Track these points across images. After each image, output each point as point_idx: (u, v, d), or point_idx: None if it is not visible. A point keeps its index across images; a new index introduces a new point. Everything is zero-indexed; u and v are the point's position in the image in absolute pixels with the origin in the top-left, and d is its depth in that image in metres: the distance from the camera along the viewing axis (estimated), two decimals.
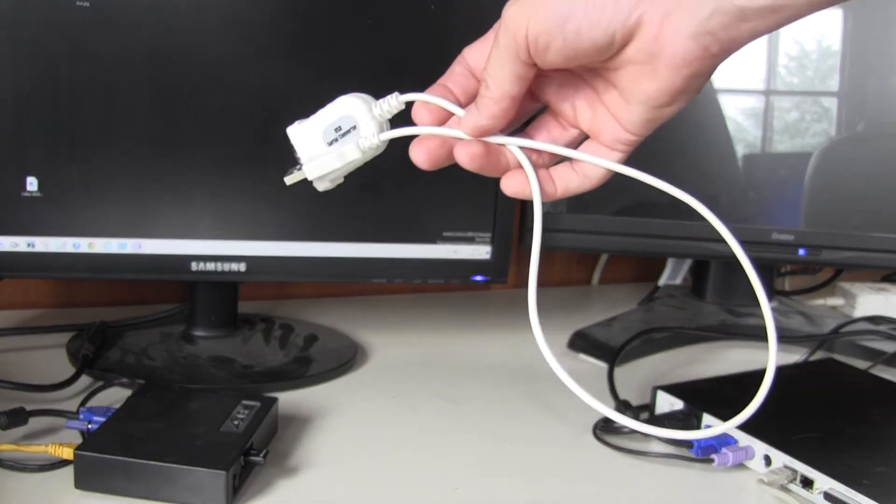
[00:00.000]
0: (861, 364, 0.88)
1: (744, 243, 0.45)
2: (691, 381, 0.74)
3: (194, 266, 0.76)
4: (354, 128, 0.47)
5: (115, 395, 0.65)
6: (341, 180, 0.49)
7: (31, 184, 0.70)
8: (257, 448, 0.56)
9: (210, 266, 0.76)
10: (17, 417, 0.60)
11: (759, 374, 0.76)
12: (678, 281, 1.10)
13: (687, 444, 0.64)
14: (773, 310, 1.05)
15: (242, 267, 0.77)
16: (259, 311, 0.93)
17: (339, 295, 1.06)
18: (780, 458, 0.61)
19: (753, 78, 0.94)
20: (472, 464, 0.63)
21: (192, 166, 0.74)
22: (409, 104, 0.47)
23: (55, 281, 0.93)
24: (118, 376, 0.70)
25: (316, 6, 0.74)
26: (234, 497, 0.54)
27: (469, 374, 0.81)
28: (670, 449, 0.64)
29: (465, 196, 0.82)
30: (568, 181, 0.48)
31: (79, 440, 0.57)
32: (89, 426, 0.59)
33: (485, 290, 1.15)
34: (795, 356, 0.91)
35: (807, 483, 0.59)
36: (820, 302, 1.13)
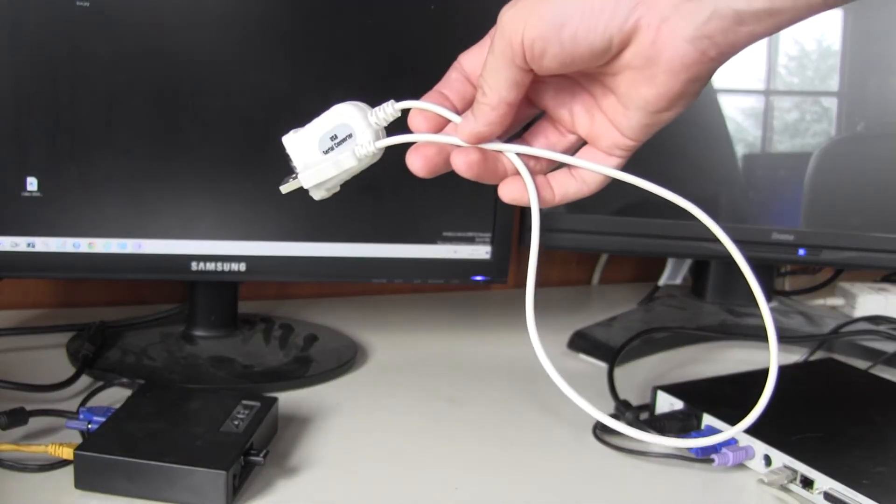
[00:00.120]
0: (861, 364, 0.88)
1: (744, 243, 0.45)
2: (691, 381, 0.74)
3: (194, 266, 0.76)
4: (350, 136, 0.46)
5: (115, 395, 0.65)
6: (338, 189, 0.49)
7: (31, 184, 0.70)
8: (257, 448, 0.56)
9: (210, 266, 0.76)
10: (17, 417, 0.60)
11: (758, 374, 0.77)
12: (678, 281, 1.10)
13: None
14: (773, 310, 1.05)
15: (242, 267, 0.77)
16: (259, 311, 0.93)
17: (339, 295, 1.06)
18: (780, 458, 0.61)
19: (753, 78, 0.94)
20: (472, 464, 0.63)
21: (193, 166, 0.74)
22: (406, 111, 0.46)
23: (55, 281, 0.93)
24: (118, 376, 0.70)
25: (316, 6, 0.74)
26: (234, 497, 0.54)
27: (469, 374, 0.81)
28: (670, 449, 0.64)
29: (465, 196, 0.82)
30: (566, 187, 0.47)
31: (79, 440, 0.57)
32: (89, 426, 0.59)
33: (485, 290, 1.15)
34: (795, 356, 0.91)
35: (807, 483, 0.59)
36: (820, 302, 1.13)
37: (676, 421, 0.67)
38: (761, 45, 0.92)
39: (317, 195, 0.49)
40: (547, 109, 0.48)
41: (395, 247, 0.81)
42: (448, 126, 0.47)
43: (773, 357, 0.45)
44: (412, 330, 0.95)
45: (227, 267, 0.76)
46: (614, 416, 0.69)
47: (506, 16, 0.42)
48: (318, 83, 0.75)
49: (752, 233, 0.94)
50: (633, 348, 0.86)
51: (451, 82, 0.47)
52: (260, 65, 0.73)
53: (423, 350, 0.88)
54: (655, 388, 0.71)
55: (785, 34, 0.92)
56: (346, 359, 0.81)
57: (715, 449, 0.63)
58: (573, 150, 0.48)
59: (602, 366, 0.83)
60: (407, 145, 0.46)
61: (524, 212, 0.91)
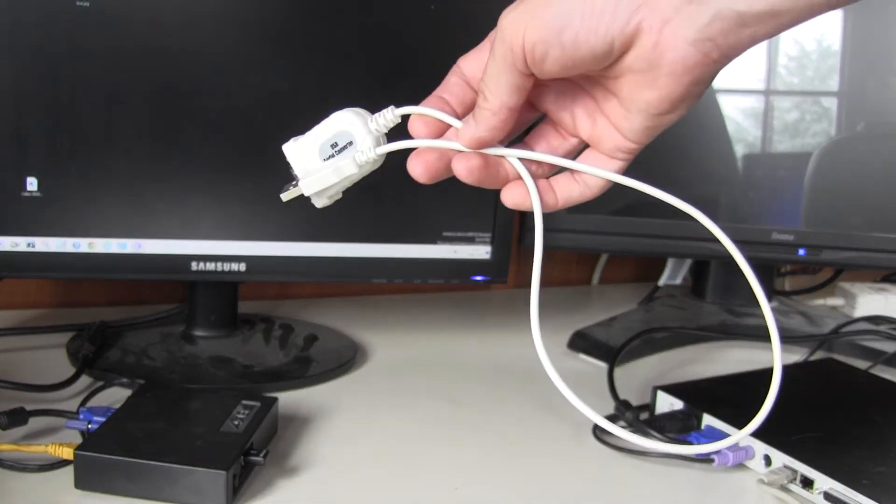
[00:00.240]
0: (861, 364, 0.88)
1: (743, 243, 0.45)
2: (691, 381, 0.74)
3: (194, 266, 0.76)
4: (351, 143, 0.46)
5: (115, 395, 0.65)
6: (339, 196, 0.49)
7: (31, 184, 0.70)
8: (257, 448, 0.56)
9: (210, 266, 0.76)
10: (17, 417, 0.60)
11: (759, 375, 0.77)
12: (678, 281, 1.10)
13: (686, 444, 0.64)
14: (774, 310, 1.05)
15: (242, 267, 0.77)
16: (259, 311, 0.93)
17: (339, 295, 1.06)
18: (780, 458, 0.61)
19: (753, 78, 0.94)
20: (472, 464, 0.63)
21: (193, 166, 0.74)
22: (406, 117, 0.46)
23: (55, 281, 0.93)
24: (118, 376, 0.70)
25: (316, 6, 0.74)
26: (234, 497, 0.54)
27: (469, 374, 0.81)
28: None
29: (465, 196, 0.81)
30: (569, 191, 0.47)
31: (79, 440, 0.57)
32: (89, 426, 0.59)
33: (485, 290, 1.15)
34: (795, 356, 0.91)
35: (807, 483, 0.59)
36: (820, 302, 1.13)
37: (676, 421, 0.67)
38: (761, 46, 0.92)
39: (318, 203, 0.49)
40: (548, 113, 0.47)
41: (395, 247, 0.81)
42: (449, 131, 0.46)
43: (776, 360, 0.45)
44: (412, 330, 0.95)
45: (227, 267, 0.76)
46: (614, 416, 0.69)
47: (506, 20, 0.41)
48: (319, 83, 0.75)
49: (752, 233, 0.94)
50: (633, 348, 0.86)
51: (451, 87, 0.47)
52: (260, 65, 0.73)
53: (423, 350, 0.88)
54: (655, 388, 0.71)
55: (785, 34, 0.92)
56: (346, 359, 0.81)
57: (714, 450, 0.63)
58: (575, 154, 0.47)
59: (602, 366, 0.83)
60: (407, 150, 0.46)
61: (524, 212, 0.91)
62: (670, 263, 1.09)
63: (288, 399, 0.70)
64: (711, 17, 0.38)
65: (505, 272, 0.85)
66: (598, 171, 0.46)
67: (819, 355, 0.91)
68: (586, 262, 1.23)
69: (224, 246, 0.76)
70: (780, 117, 0.94)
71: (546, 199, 0.47)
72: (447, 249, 0.82)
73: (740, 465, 0.63)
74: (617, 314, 1.02)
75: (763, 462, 0.62)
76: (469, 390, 0.77)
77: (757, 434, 0.62)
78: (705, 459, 0.63)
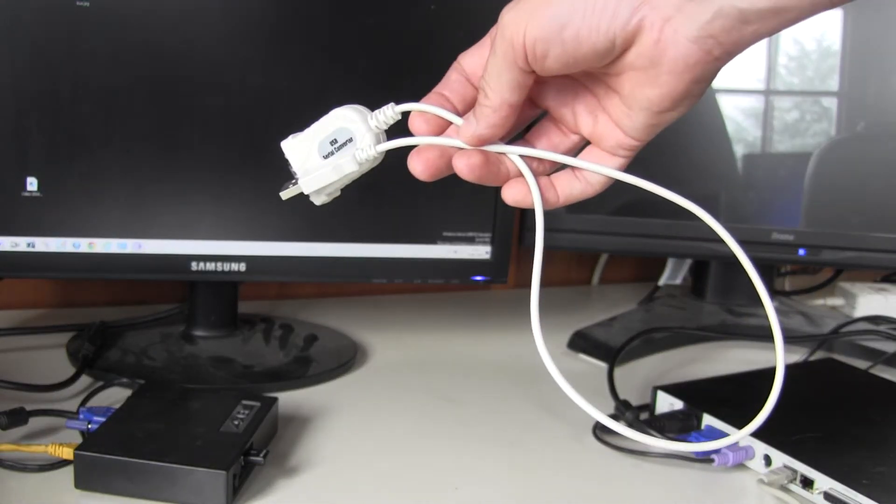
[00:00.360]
0: (861, 364, 0.88)
1: (743, 243, 0.45)
2: (691, 381, 0.74)
3: (194, 266, 0.76)
4: (350, 140, 0.46)
5: (115, 395, 0.65)
6: (338, 193, 0.49)
7: (31, 184, 0.70)
8: (257, 448, 0.56)
9: (210, 266, 0.76)
10: (17, 417, 0.60)
11: (759, 374, 0.77)
12: (678, 281, 1.10)
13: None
14: (774, 309, 1.05)
15: (242, 267, 0.77)
16: (259, 311, 0.93)
17: (339, 295, 1.06)
18: (780, 458, 0.61)
19: (753, 78, 0.94)
20: (472, 464, 0.63)
21: (193, 166, 0.74)
22: (406, 114, 0.46)
23: (55, 281, 0.93)
24: (118, 376, 0.70)
25: (316, 6, 0.74)
26: (234, 497, 0.54)
27: (469, 374, 0.81)
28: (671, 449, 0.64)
29: (465, 196, 0.82)
30: (570, 188, 0.47)
31: (79, 440, 0.57)
32: (89, 426, 0.59)
33: (485, 290, 1.15)
34: (795, 356, 0.91)
35: (807, 483, 0.59)
36: (820, 302, 1.13)
37: (676, 421, 0.67)
38: (761, 45, 0.92)
39: (317, 200, 0.48)
40: (549, 110, 0.47)
41: (395, 247, 0.81)
42: (449, 128, 0.46)
43: (779, 361, 0.45)
44: (412, 330, 0.95)
45: (227, 267, 0.76)
46: (614, 416, 0.69)
47: (507, 17, 0.41)
48: (319, 83, 0.75)
49: (752, 233, 0.94)
50: (633, 348, 0.86)
51: (452, 83, 0.46)
52: (260, 64, 0.73)
53: (423, 350, 0.88)
54: (655, 388, 0.71)
55: (785, 34, 0.92)
56: (346, 359, 0.81)
57: (715, 449, 0.63)
58: (576, 151, 0.47)
59: (602, 366, 0.83)
60: (407, 148, 0.46)
61: (524, 212, 0.91)
62: (670, 263, 1.09)
63: (288, 399, 0.70)
64: (713, 14, 0.38)
65: (505, 272, 0.85)
66: (599, 168, 0.46)
67: (819, 355, 0.91)
68: (586, 262, 1.23)
69: (224, 246, 0.76)
70: (780, 117, 0.94)
71: (547, 197, 0.47)
72: (447, 249, 0.82)
73: (740, 465, 0.63)
74: (617, 314, 1.02)
75: (763, 462, 0.62)
76: (469, 390, 0.77)
77: (757, 434, 0.62)
78: (705, 459, 0.63)
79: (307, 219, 0.78)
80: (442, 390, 0.77)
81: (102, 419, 0.58)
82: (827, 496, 0.57)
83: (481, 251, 0.83)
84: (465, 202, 0.82)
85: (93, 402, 0.65)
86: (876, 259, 0.96)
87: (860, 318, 1.00)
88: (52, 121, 0.70)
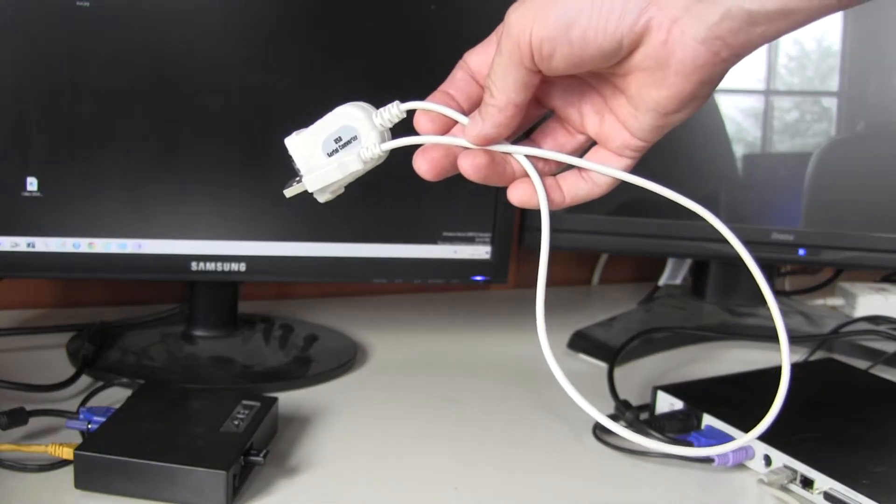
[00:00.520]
0: (861, 364, 0.88)
1: (744, 244, 0.45)
2: (691, 381, 0.74)
3: (194, 266, 0.76)
4: (355, 138, 0.46)
5: (115, 395, 0.65)
6: (342, 191, 0.48)
7: (31, 184, 0.70)
8: (257, 448, 0.56)
9: (210, 266, 0.76)
10: (17, 417, 0.60)
11: (759, 375, 0.77)
12: (678, 281, 1.10)
13: (687, 444, 0.64)
14: None
15: (242, 267, 0.77)
16: (259, 311, 0.93)
17: (339, 295, 1.06)
18: (780, 458, 0.61)
19: (753, 78, 0.94)
20: (472, 464, 0.63)
21: (193, 166, 0.74)
22: (411, 112, 0.46)
23: (55, 281, 0.93)
24: (118, 376, 0.70)
25: (316, 6, 0.74)
26: (234, 497, 0.54)
27: (469, 374, 0.81)
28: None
29: (465, 196, 0.82)
30: (576, 189, 0.47)
31: (79, 440, 0.57)
32: (89, 426, 0.59)
33: (485, 290, 1.15)
34: (795, 356, 0.91)
35: (807, 483, 0.59)
36: (820, 302, 1.13)
37: (676, 421, 0.67)
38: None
39: (321, 198, 0.48)
40: (555, 109, 0.47)
41: (395, 247, 0.81)
42: (455, 127, 0.46)
43: (784, 363, 0.45)
44: (412, 330, 0.95)
45: (227, 267, 0.76)
46: (614, 416, 0.68)
47: (513, 16, 0.41)
48: (319, 83, 0.75)
49: (752, 233, 0.94)
50: (633, 348, 0.86)
51: (457, 82, 0.46)
52: (260, 65, 0.73)
53: (423, 350, 0.88)
54: (655, 388, 0.71)
55: None
56: (346, 359, 0.81)
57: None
58: (582, 151, 0.47)
59: (602, 366, 0.83)
60: (409, 147, 0.46)
61: (524, 212, 0.91)
62: (670, 263, 1.09)
63: (288, 399, 0.70)
64: (721, 15, 0.38)
65: (505, 272, 0.85)
66: (605, 169, 0.46)
67: (819, 355, 0.91)
68: (586, 262, 1.23)
69: (224, 246, 0.76)
70: (780, 117, 0.94)
71: (553, 197, 0.46)
72: (447, 249, 0.82)
73: (740, 465, 0.63)
74: (617, 314, 1.02)
75: (763, 462, 0.62)
76: (469, 390, 0.77)
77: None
78: (705, 459, 0.63)
79: (307, 219, 0.78)
80: (442, 390, 0.77)
81: (102, 419, 0.58)
82: (827, 496, 0.57)
83: (481, 251, 0.83)
84: (466, 202, 0.82)
85: (93, 402, 0.65)
86: (876, 259, 0.96)
87: (860, 318, 1.00)
88: (52, 121, 0.70)
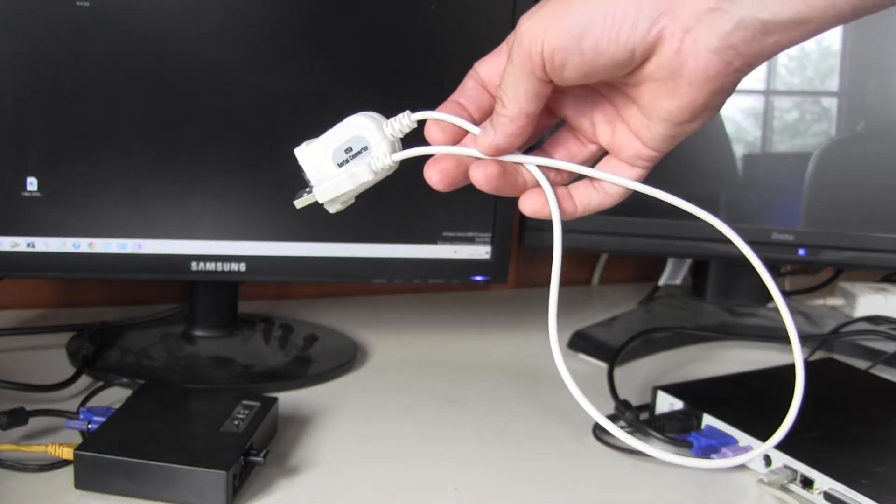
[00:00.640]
0: (861, 364, 0.88)
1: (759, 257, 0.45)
2: (691, 381, 0.74)
3: (194, 266, 0.76)
4: (366, 148, 0.45)
5: (115, 395, 0.65)
6: (352, 201, 0.48)
7: (31, 184, 0.70)
8: (257, 448, 0.56)
9: (210, 266, 0.76)
10: (17, 417, 0.59)
11: (759, 375, 0.77)
12: (678, 281, 1.10)
13: (687, 444, 0.64)
14: (774, 310, 1.05)
15: (242, 267, 0.77)
16: (259, 311, 0.93)
17: (339, 295, 1.06)
18: (780, 458, 0.61)
19: (753, 78, 0.94)
20: (472, 464, 0.63)
21: (193, 166, 0.74)
22: (422, 122, 0.45)
23: (55, 281, 0.93)
24: (118, 376, 0.70)
25: (316, 7, 0.74)
26: (234, 497, 0.54)
27: (469, 374, 0.81)
28: (670, 449, 0.64)
29: (465, 196, 0.81)
30: (588, 199, 0.46)
31: (79, 440, 0.57)
32: (89, 426, 0.59)
33: (485, 290, 1.14)
34: None
35: (807, 483, 0.59)
36: (820, 302, 1.13)
37: (676, 421, 0.67)
38: None
39: (332, 209, 0.48)
40: (567, 119, 0.47)
41: (395, 247, 0.81)
42: (466, 137, 0.46)
43: (798, 373, 0.45)
44: (412, 330, 0.95)
45: (227, 267, 0.76)
46: (614, 416, 0.68)
47: (524, 26, 0.41)
48: (319, 83, 0.75)
49: (752, 233, 0.94)
50: (633, 348, 0.86)
51: (468, 91, 0.46)
52: (260, 65, 0.73)
53: (423, 350, 0.88)
54: (655, 388, 0.71)
55: None
56: (346, 359, 0.81)
57: (715, 449, 0.63)
58: (594, 160, 0.47)
59: (602, 366, 0.83)
60: (422, 157, 0.45)
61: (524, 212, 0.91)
62: (670, 263, 1.09)
63: (288, 399, 0.70)
64: (734, 25, 0.38)
65: (505, 272, 0.85)
66: (617, 179, 0.45)
67: (819, 355, 0.91)
68: (586, 262, 1.23)
69: (224, 246, 0.76)
70: (780, 117, 0.94)
71: (565, 207, 0.46)
72: (447, 249, 0.82)
73: (740, 465, 0.63)
74: (617, 314, 1.02)
75: (763, 462, 0.62)
76: (469, 390, 0.77)
77: (757, 434, 0.62)
78: (705, 459, 0.62)
79: (307, 219, 0.77)
80: (442, 390, 0.77)
81: (102, 419, 0.58)
82: (827, 496, 0.57)
83: (481, 251, 0.83)
84: (465, 202, 0.82)
85: (93, 402, 0.65)
86: (876, 259, 0.96)
87: (860, 318, 1.00)
88: (52, 121, 0.70)
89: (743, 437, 0.63)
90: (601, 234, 0.94)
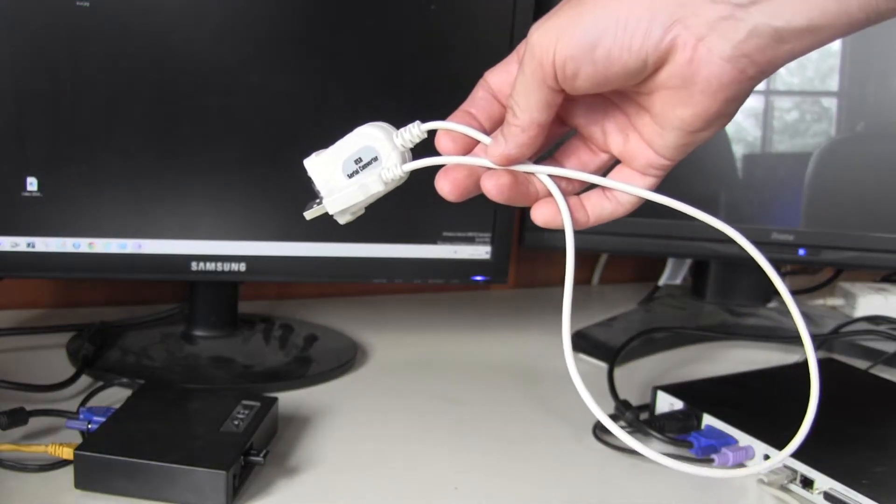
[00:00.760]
0: (861, 364, 0.88)
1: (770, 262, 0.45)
2: (691, 381, 0.74)
3: (194, 266, 0.76)
4: (376, 159, 0.45)
5: (115, 395, 0.65)
6: (362, 212, 0.48)
7: (31, 184, 0.70)
8: (257, 448, 0.56)
9: (210, 266, 0.76)
10: (17, 417, 0.59)
11: (759, 375, 0.77)
12: (678, 281, 1.10)
13: (687, 444, 0.64)
14: (774, 310, 1.05)
15: (242, 267, 0.77)
16: (259, 311, 0.93)
17: (339, 295, 1.06)
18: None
19: None
20: (472, 464, 0.63)
21: (192, 166, 0.74)
22: (432, 133, 0.45)
23: (55, 281, 0.93)
24: (118, 376, 0.70)
25: (316, 7, 0.74)
26: (234, 497, 0.54)
27: (469, 374, 0.81)
28: (670, 449, 0.64)
29: None
30: (601, 208, 0.46)
31: (79, 440, 0.57)
32: (89, 426, 0.59)
33: (485, 290, 1.14)
34: (795, 356, 0.91)
35: (807, 483, 0.59)
36: (820, 302, 1.13)
37: (676, 421, 0.66)
38: None
39: (342, 220, 0.48)
40: (578, 128, 0.46)
41: (395, 247, 0.81)
42: (477, 147, 0.45)
43: (813, 380, 0.45)
44: (412, 330, 0.95)
45: (227, 267, 0.76)
46: (614, 416, 0.68)
47: (535, 34, 0.40)
48: (319, 83, 0.75)
49: (752, 233, 0.93)
50: (633, 348, 0.86)
51: (478, 101, 0.46)
52: (260, 65, 0.73)
53: (423, 350, 0.88)
54: (655, 388, 0.71)
55: None
56: (346, 359, 0.81)
57: (715, 449, 0.63)
58: (606, 169, 0.47)
59: (602, 366, 0.83)
60: (433, 166, 0.45)
61: (524, 212, 0.91)
62: (670, 263, 1.09)
63: (288, 399, 0.70)
64: (748, 33, 0.38)
65: (505, 272, 0.85)
66: (630, 188, 0.45)
67: (819, 355, 0.91)
68: (586, 262, 1.23)
69: (224, 246, 0.76)
70: (780, 117, 0.94)
71: (577, 217, 0.46)
72: (447, 249, 0.82)
73: (740, 466, 0.63)
74: (617, 314, 1.02)
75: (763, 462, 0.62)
76: (469, 390, 0.77)
77: (757, 434, 0.62)
78: (705, 460, 0.63)
79: (307, 219, 0.78)
80: (442, 390, 0.77)
81: (102, 419, 0.58)
82: (827, 496, 0.57)
83: (481, 251, 0.83)
84: (465, 202, 0.82)
85: (93, 402, 0.65)
86: (876, 259, 0.96)
87: (860, 318, 1.00)
88: (52, 121, 0.70)
89: (743, 437, 0.63)
90: (601, 234, 0.94)
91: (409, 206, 0.81)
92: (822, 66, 0.94)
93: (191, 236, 0.75)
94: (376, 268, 0.81)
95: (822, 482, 0.57)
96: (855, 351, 0.93)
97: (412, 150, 0.46)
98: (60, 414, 0.61)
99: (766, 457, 0.62)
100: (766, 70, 0.39)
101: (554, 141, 0.47)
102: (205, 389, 0.67)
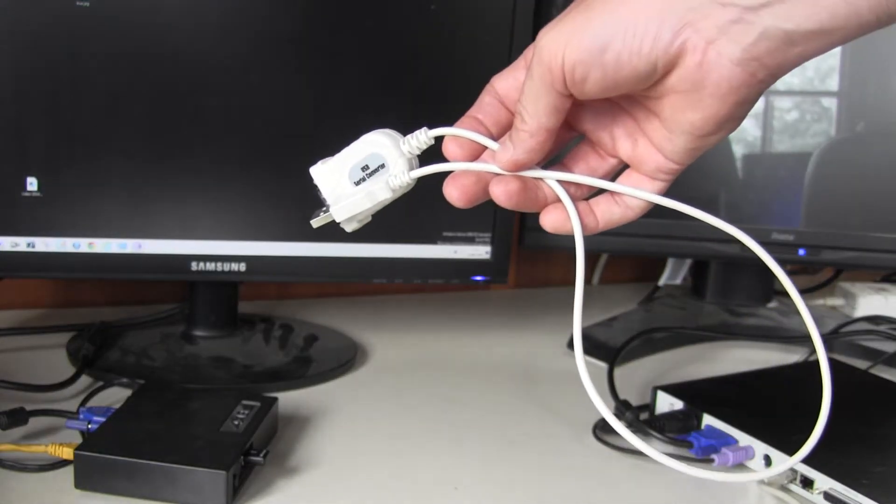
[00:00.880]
0: (861, 364, 0.88)
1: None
2: (691, 381, 0.74)
3: (194, 266, 0.76)
4: (383, 166, 0.45)
5: (115, 395, 0.65)
6: (369, 219, 0.48)
7: (31, 184, 0.70)
8: (257, 448, 0.56)
9: (210, 266, 0.76)
10: (17, 417, 0.60)
11: (758, 374, 0.77)
12: (678, 281, 1.10)
13: (687, 444, 0.64)
14: (773, 310, 1.05)
15: (242, 267, 0.77)
16: (259, 311, 0.93)
17: (339, 295, 1.06)
18: (780, 458, 0.61)
19: None
20: (472, 464, 0.63)
21: (192, 166, 0.74)
22: (439, 139, 0.45)
23: (55, 281, 0.93)
24: (118, 376, 0.70)
25: (316, 7, 0.74)
26: (234, 497, 0.54)
27: (469, 374, 0.81)
28: (670, 449, 0.64)
29: None
30: (610, 213, 0.46)
31: (79, 440, 0.57)
32: (89, 426, 0.59)
33: (485, 290, 1.14)
34: (795, 356, 0.91)
35: (807, 483, 0.59)
36: (820, 302, 1.13)
37: (676, 421, 0.66)
38: None
39: (349, 227, 0.47)
40: (587, 133, 0.46)
41: (395, 247, 0.81)
42: (485, 153, 0.45)
43: (825, 383, 0.45)
44: (412, 330, 0.95)
45: (227, 267, 0.76)
46: (614, 416, 0.68)
47: (544, 39, 0.40)
48: (319, 83, 0.75)
49: (752, 233, 0.93)
50: (633, 348, 0.86)
51: (485, 106, 0.45)
52: (260, 65, 0.73)
53: (423, 350, 0.88)
54: (655, 388, 0.71)
55: None
56: (346, 359, 0.81)
57: (715, 449, 0.63)
58: (614, 174, 0.46)
59: (602, 366, 0.83)
60: (441, 173, 0.45)
61: (524, 212, 0.91)
62: (670, 263, 1.09)
63: (288, 399, 0.70)
64: (758, 36, 0.37)
65: (505, 272, 0.85)
66: (639, 193, 0.45)
67: None
68: (586, 262, 1.22)
69: (224, 246, 0.76)
70: (779, 117, 0.94)
71: (586, 222, 0.46)
72: (447, 249, 0.82)
73: (740, 465, 0.63)
74: (617, 314, 1.02)
75: (763, 462, 0.62)
76: (469, 390, 0.77)
77: (757, 434, 0.62)
78: (706, 460, 0.63)
79: (307, 219, 0.78)
80: (442, 390, 0.77)
81: (102, 419, 0.58)
82: (827, 496, 0.57)
83: (481, 251, 0.83)
84: None
85: (93, 402, 0.65)
86: (876, 259, 0.96)
87: (860, 318, 1.00)
88: (52, 121, 0.70)
89: (743, 437, 0.63)
90: (601, 234, 0.93)
91: (410, 205, 0.80)
92: (822, 66, 0.94)
93: (191, 236, 0.75)
94: (376, 268, 0.81)
95: (822, 482, 0.57)
96: (855, 351, 0.93)
97: (419, 156, 0.46)
98: (60, 414, 0.61)
99: (766, 457, 0.62)
100: (776, 73, 0.39)
101: (562, 146, 0.47)
102: (205, 389, 0.67)
